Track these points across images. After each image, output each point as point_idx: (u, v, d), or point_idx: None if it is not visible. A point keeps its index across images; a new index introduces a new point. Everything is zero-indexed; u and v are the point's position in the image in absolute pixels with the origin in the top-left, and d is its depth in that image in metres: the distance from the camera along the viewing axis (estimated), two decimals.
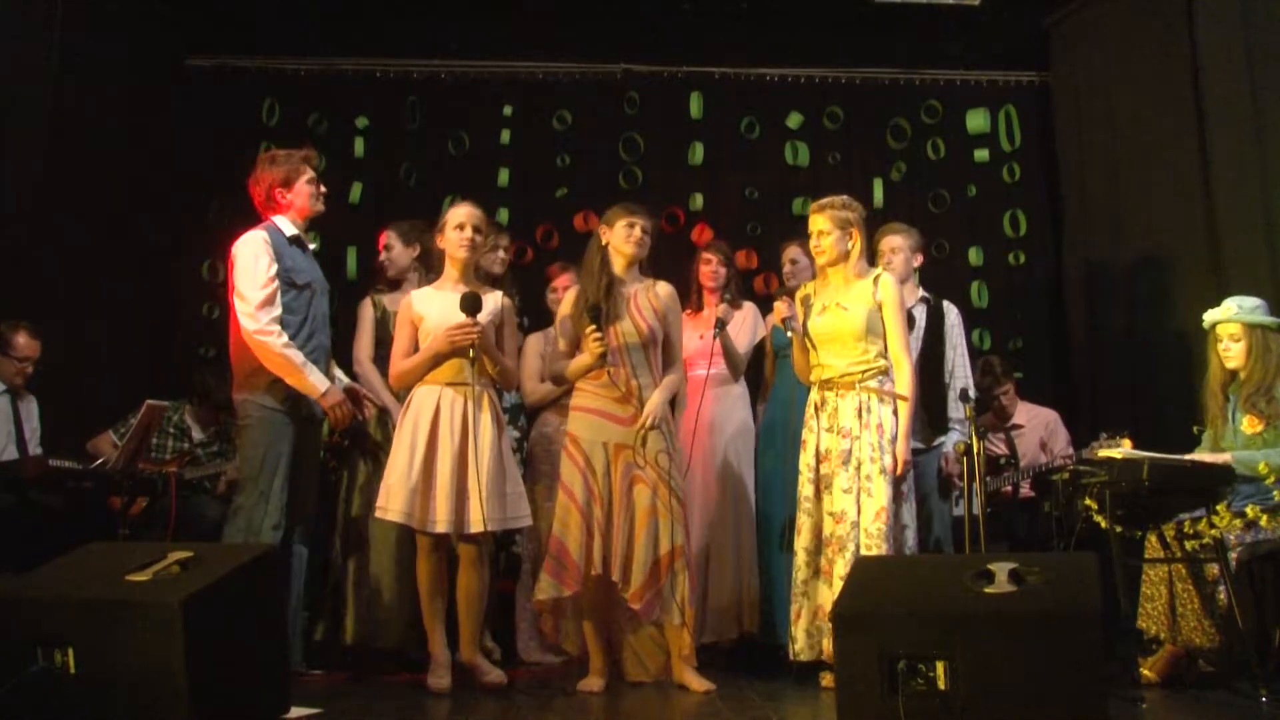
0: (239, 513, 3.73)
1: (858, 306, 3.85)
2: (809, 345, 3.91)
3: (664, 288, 3.96)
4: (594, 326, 3.78)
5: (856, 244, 3.92)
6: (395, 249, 4.47)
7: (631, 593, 3.71)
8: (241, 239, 3.83)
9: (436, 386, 3.80)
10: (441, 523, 3.69)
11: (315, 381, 3.74)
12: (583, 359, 3.86)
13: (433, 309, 3.84)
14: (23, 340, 4.42)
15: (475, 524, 3.70)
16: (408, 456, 3.73)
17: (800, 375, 4.05)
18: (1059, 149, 6.05)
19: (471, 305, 3.72)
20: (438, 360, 3.80)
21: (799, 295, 4.03)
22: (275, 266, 3.77)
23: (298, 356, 3.73)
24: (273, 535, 3.67)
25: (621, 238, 3.90)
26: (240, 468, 3.86)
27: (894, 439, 3.79)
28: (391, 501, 3.71)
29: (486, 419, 3.79)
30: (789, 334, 3.97)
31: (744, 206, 6.07)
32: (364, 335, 4.42)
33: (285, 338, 3.73)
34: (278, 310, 3.75)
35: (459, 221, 3.88)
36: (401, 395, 4.28)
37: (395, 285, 4.47)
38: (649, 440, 3.78)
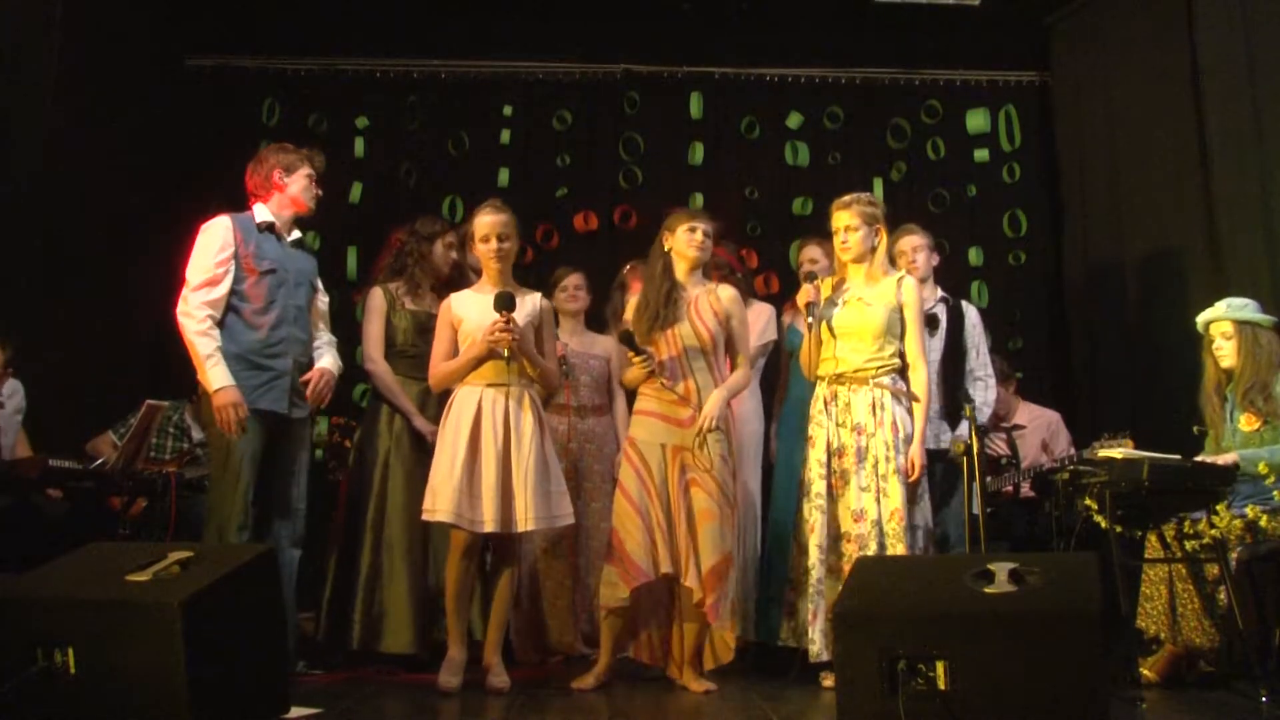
0: (210, 513, 3.72)
1: (880, 304, 3.86)
2: (826, 337, 3.89)
3: (726, 290, 3.96)
4: (631, 352, 3.82)
5: (882, 241, 3.95)
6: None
7: (702, 593, 3.69)
8: (204, 224, 3.83)
9: (477, 387, 3.79)
10: (488, 522, 3.67)
11: (213, 375, 3.67)
12: (634, 372, 3.89)
13: (472, 311, 3.84)
14: None
15: (521, 523, 3.70)
16: (450, 457, 3.72)
17: (806, 368, 4.01)
18: (1059, 149, 6.06)
19: (505, 303, 3.70)
20: (477, 362, 3.79)
21: (820, 286, 3.99)
22: (228, 251, 3.75)
23: (206, 346, 3.67)
24: (238, 536, 3.64)
25: (684, 242, 3.91)
26: (210, 467, 3.84)
27: (909, 439, 3.78)
28: (439, 502, 3.69)
29: (528, 418, 3.78)
30: (809, 320, 3.90)
31: (744, 206, 6.07)
32: (373, 328, 4.29)
33: (206, 325, 3.68)
34: (213, 296, 3.71)
35: (483, 234, 3.87)
36: (415, 396, 4.28)
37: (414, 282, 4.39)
38: (708, 443, 3.77)
